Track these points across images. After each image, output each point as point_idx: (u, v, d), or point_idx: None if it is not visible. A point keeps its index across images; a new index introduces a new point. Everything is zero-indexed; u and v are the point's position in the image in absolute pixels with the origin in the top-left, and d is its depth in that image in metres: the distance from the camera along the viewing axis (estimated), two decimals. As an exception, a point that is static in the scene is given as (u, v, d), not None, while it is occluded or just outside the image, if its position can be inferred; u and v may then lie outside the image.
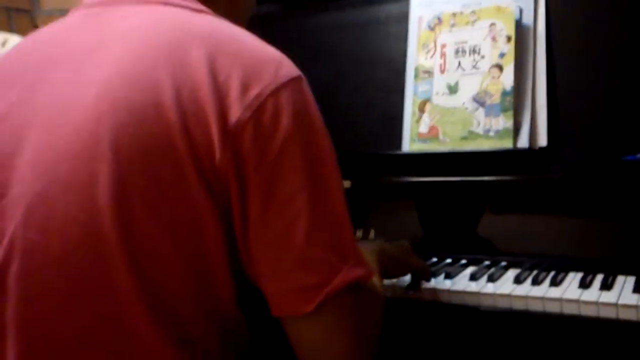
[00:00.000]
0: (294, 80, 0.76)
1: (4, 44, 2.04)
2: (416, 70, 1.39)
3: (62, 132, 0.73)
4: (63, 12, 2.60)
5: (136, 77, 0.73)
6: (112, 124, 0.72)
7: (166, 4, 0.82)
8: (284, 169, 0.73)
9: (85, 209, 0.71)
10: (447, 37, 1.38)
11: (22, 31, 2.47)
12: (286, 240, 0.74)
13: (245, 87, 0.72)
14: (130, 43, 0.76)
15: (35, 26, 2.55)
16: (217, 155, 0.71)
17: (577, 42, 1.29)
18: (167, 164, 0.71)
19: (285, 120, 0.73)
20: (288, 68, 0.77)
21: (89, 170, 0.71)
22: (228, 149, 0.71)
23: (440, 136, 1.32)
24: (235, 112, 0.72)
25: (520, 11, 1.32)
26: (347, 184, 1.34)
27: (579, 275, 1.11)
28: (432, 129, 1.34)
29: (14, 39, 2.02)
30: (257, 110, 0.72)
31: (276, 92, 0.73)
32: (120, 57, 0.75)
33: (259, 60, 0.75)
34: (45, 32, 0.87)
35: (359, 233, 1.33)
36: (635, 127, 1.19)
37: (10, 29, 2.45)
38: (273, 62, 0.76)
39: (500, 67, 1.30)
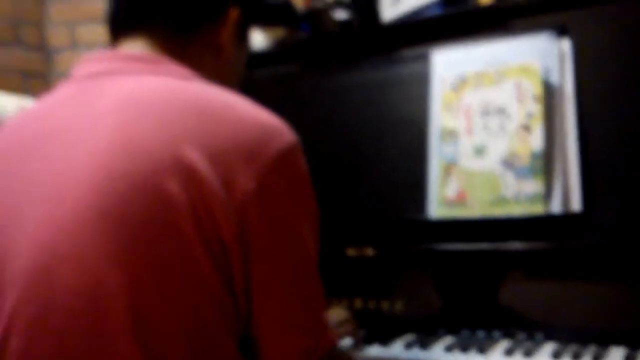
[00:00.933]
0: (292, 147, 0.78)
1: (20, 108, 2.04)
2: (441, 131, 1.35)
3: (61, 206, 0.72)
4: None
5: (133, 147, 0.73)
6: (112, 195, 0.71)
7: (157, 74, 0.82)
8: (281, 239, 0.76)
9: (88, 283, 0.70)
10: (471, 98, 1.34)
11: (37, 94, 2.48)
12: (287, 307, 0.78)
13: (249, 158, 0.73)
14: (123, 114, 0.76)
15: (50, 89, 2.56)
16: (222, 227, 0.71)
17: (608, 100, 1.25)
18: (170, 236, 0.70)
19: (286, 188, 0.76)
20: (287, 135, 0.78)
21: (91, 244, 0.70)
22: (232, 220, 0.71)
23: (468, 201, 1.27)
24: (241, 184, 0.72)
25: (547, 70, 1.28)
26: (370, 251, 1.29)
27: (622, 350, 1.04)
28: (460, 193, 1.29)
29: (29, 104, 2.02)
30: (262, 181, 0.73)
31: (278, 161, 0.75)
32: (116, 128, 0.75)
33: (258, 130, 0.76)
34: (39, 106, 0.87)
35: (386, 304, 1.27)
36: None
37: (25, 92, 2.46)
38: (272, 130, 0.77)
39: (528, 128, 1.25)
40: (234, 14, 0.90)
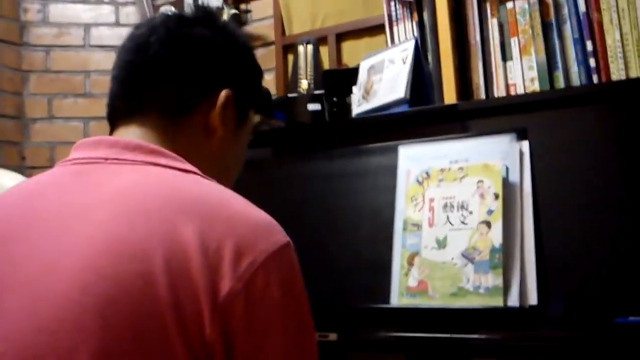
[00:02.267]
0: (283, 247, 0.75)
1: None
2: (404, 222, 1.40)
3: (43, 300, 0.70)
4: (51, 144, 2.61)
5: (125, 246, 0.71)
6: (98, 294, 0.69)
7: (155, 164, 0.82)
8: (270, 340, 0.73)
9: None
10: (435, 192, 1.40)
11: (9, 162, 2.49)
12: None
13: (237, 257, 0.71)
14: (118, 208, 0.75)
15: (22, 158, 2.57)
16: (207, 328, 0.69)
17: (564, 199, 1.32)
18: (155, 339, 0.68)
19: (275, 291, 0.73)
20: (278, 235, 0.76)
21: (71, 342, 0.67)
22: (217, 321, 0.69)
23: (430, 291, 1.31)
24: (227, 284, 0.70)
25: (507, 169, 1.35)
26: (333, 336, 1.31)
27: None
28: (421, 283, 1.32)
29: (0, 173, 2.02)
30: (249, 281, 0.71)
31: (267, 261, 0.72)
32: (107, 223, 0.73)
33: (249, 227, 0.74)
34: (30, 186, 0.85)
35: (346, 390, 1.28)
36: (627, 288, 1.19)
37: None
38: (264, 230, 0.75)
39: (488, 224, 1.31)
40: (223, 95, 0.90)
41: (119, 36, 2.65)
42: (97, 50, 2.65)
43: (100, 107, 2.74)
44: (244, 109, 0.96)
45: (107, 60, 2.63)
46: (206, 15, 0.96)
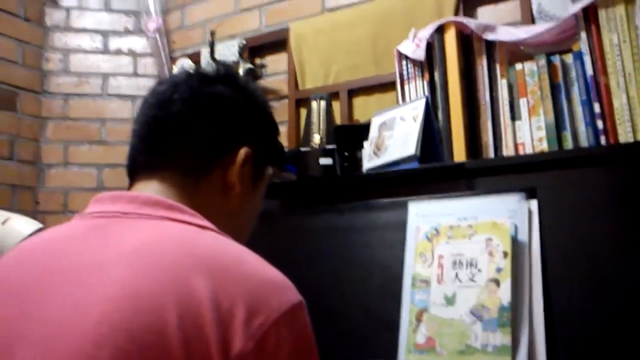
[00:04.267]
0: (295, 307, 0.76)
1: (4, 222, 2.06)
2: (413, 278, 1.41)
3: (57, 354, 0.71)
4: (65, 190, 2.64)
5: (139, 302, 0.72)
6: (113, 347, 0.69)
7: (172, 219, 0.83)
8: None
9: None
10: (444, 248, 1.42)
11: (24, 207, 2.52)
12: None
13: (249, 316, 0.72)
14: (134, 263, 0.76)
15: (36, 202, 2.60)
16: None
17: (572, 258, 1.33)
18: None
19: (286, 349, 0.73)
20: (290, 294, 0.77)
21: None
22: None
23: (438, 348, 1.31)
24: (239, 342, 0.71)
25: (516, 228, 1.37)
26: (340, 392, 1.31)
27: None
28: (429, 340, 1.33)
29: (15, 218, 2.04)
30: (260, 341, 0.72)
31: (279, 320, 0.73)
32: (123, 278, 0.74)
33: (262, 287, 0.75)
34: (47, 240, 0.86)
35: None
36: (635, 348, 1.19)
37: (12, 205, 2.50)
38: (276, 288, 0.76)
39: (497, 282, 1.32)
40: (242, 153, 0.92)
41: (136, 86, 2.72)
42: (115, 99, 2.71)
43: (115, 154, 2.79)
44: (261, 166, 0.98)
45: (124, 109, 2.69)
46: (227, 73, 0.98)
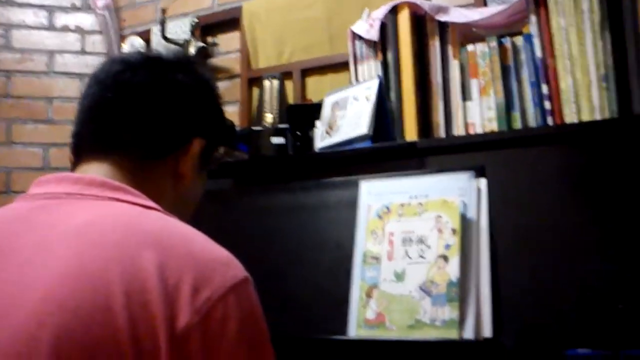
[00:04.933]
0: (241, 282, 0.76)
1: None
2: (364, 255, 1.42)
3: (4, 333, 0.69)
4: (8, 170, 2.54)
5: (85, 280, 0.71)
6: (56, 327, 0.68)
7: (118, 200, 0.82)
8: None
9: None
10: (395, 226, 1.43)
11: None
12: None
13: (194, 291, 0.72)
14: (80, 242, 0.75)
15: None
16: None
17: (519, 235, 1.36)
18: None
19: (233, 324, 0.73)
20: (236, 270, 0.77)
21: None
22: (175, 354, 0.69)
23: (387, 323, 1.32)
24: (184, 317, 0.70)
25: (465, 205, 1.39)
26: (291, 368, 1.31)
27: None
28: (379, 315, 1.34)
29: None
30: (206, 315, 0.71)
31: (225, 296, 0.73)
32: (69, 258, 0.73)
33: (208, 263, 0.75)
34: None
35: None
36: (577, 322, 1.23)
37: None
38: (222, 265, 0.76)
39: (446, 258, 1.34)
40: (197, 145, 0.93)
41: (84, 64, 2.65)
42: (62, 77, 2.64)
43: (63, 134, 2.72)
44: (210, 155, 0.98)
45: (71, 87, 2.62)
46: (187, 61, 0.98)
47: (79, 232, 0.76)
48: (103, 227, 0.76)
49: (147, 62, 0.93)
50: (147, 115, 0.89)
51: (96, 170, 0.87)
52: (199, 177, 0.96)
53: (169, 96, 0.91)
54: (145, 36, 2.50)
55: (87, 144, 0.90)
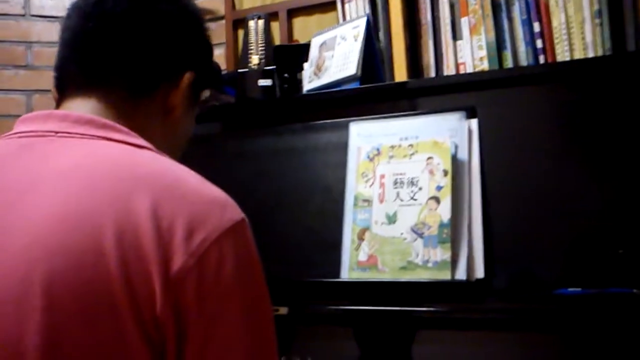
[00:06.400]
0: (237, 224, 0.74)
1: None
2: (355, 198, 1.41)
3: None
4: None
5: (75, 221, 0.69)
6: (46, 270, 0.67)
7: (108, 139, 0.79)
8: (223, 319, 0.71)
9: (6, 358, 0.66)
10: (385, 168, 1.42)
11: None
12: None
13: (189, 233, 0.70)
14: (69, 184, 0.72)
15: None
16: (158, 305, 0.68)
17: (511, 176, 1.36)
18: (105, 317, 0.67)
19: (229, 268, 0.71)
20: (232, 211, 0.75)
21: (17, 320, 0.66)
22: (169, 297, 0.68)
23: (379, 265, 1.33)
24: (179, 260, 0.69)
25: (456, 146, 1.38)
26: (284, 310, 1.32)
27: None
28: (371, 257, 1.34)
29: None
30: (202, 258, 0.70)
31: (220, 238, 0.71)
32: (58, 199, 0.71)
33: (203, 204, 0.73)
34: None
35: (296, 361, 1.29)
36: (566, 262, 1.24)
37: None
38: (217, 206, 0.74)
39: (437, 200, 1.33)
40: (187, 78, 0.89)
41: (62, 6, 2.56)
42: (39, 21, 2.56)
43: (44, 79, 2.65)
44: (200, 89, 0.96)
45: (51, 31, 2.55)
46: None
47: (68, 173, 0.73)
48: (93, 168, 0.74)
49: None
50: (131, 46, 0.85)
51: (82, 107, 0.84)
52: (188, 114, 0.94)
53: (154, 25, 0.87)
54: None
55: (70, 79, 0.87)
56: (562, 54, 1.50)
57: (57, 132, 0.79)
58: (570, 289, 1.21)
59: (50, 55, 2.52)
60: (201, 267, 0.70)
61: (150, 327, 0.68)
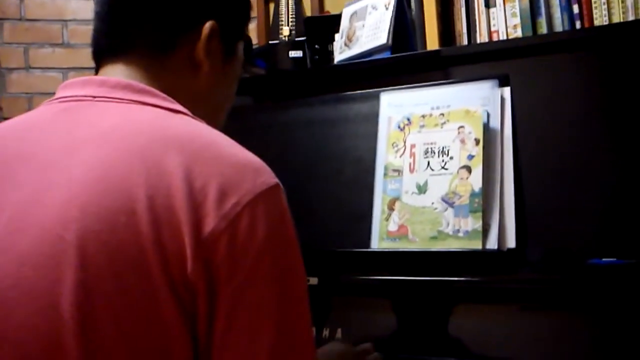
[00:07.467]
0: (271, 189, 0.74)
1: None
2: (385, 168, 1.40)
3: (26, 234, 0.70)
4: (29, 95, 2.57)
5: (109, 183, 0.71)
6: (80, 230, 0.68)
7: (143, 103, 0.81)
8: (253, 284, 0.71)
9: (46, 319, 0.67)
10: (416, 138, 1.40)
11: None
12: (251, 357, 0.71)
13: (222, 196, 0.70)
14: (104, 146, 0.74)
15: (-1, 108, 2.53)
16: (189, 266, 0.68)
17: (544, 145, 1.33)
18: (136, 276, 0.68)
19: (261, 232, 0.71)
20: (266, 176, 0.74)
21: (54, 277, 0.68)
22: (200, 259, 0.68)
23: (410, 235, 1.32)
24: (211, 222, 0.69)
25: (488, 115, 1.35)
26: (314, 281, 1.32)
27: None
28: (401, 227, 1.33)
29: None
30: (233, 221, 0.70)
31: (253, 201, 0.71)
32: (94, 161, 0.73)
33: (236, 168, 0.73)
34: (15, 125, 0.83)
35: (326, 332, 1.29)
36: (600, 231, 1.21)
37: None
38: (251, 170, 0.74)
39: (469, 169, 1.31)
40: (208, 26, 0.88)
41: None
42: (75, -1, 2.59)
43: (80, 57, 2.70)
44: (231, 42, 0.93)
45: (86, 9, 2.58)
46: None
47: (104, 136, 0.75)
48: (128, 131, 0.75)
49: None
50: (148, 5, 0.87)
51: (116, 72, 0.86)
52: (222, 73, 0.92)
53: None
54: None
55: (103, 47, 0.89)
56: (601, 19, 1.45)
57: (94, 97, 0.81)
58: (605, 259, 1.18)
59: (85, 32, 2.56)
60: (232, 230, 0.70)
61: (181, 288, 0.69)
